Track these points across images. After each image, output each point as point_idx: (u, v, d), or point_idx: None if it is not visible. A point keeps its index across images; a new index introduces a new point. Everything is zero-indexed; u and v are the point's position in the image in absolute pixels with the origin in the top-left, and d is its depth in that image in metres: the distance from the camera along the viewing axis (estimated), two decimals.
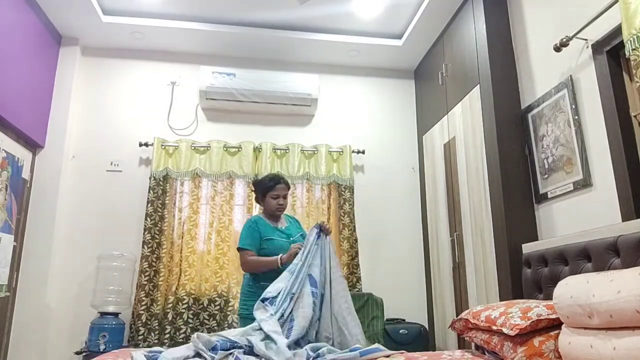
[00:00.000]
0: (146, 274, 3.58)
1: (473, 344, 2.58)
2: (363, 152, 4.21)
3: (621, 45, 2.20)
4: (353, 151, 4.15)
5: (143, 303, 3.52)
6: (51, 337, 3.48)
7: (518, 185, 2.86)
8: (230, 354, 1.97)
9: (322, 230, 2.58)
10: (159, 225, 3.71)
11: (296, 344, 2.23)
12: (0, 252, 3.16)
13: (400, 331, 3.58)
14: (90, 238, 3.74)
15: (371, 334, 3.42)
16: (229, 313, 3.60)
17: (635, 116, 2.22)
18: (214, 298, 3.61)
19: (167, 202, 3.77)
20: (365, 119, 4.38)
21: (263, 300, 2.39)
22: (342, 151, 4.11)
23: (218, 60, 4.24)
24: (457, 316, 2.98)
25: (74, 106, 3.88)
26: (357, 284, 3.80)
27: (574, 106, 2.53)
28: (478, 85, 3.18)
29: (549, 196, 2.71)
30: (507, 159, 2.89)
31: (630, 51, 1.86)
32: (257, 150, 4.01)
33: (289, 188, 2.85)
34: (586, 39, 2.44)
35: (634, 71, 1.85)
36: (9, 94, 3.17)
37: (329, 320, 2.44)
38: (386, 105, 4.45)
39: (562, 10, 2.67)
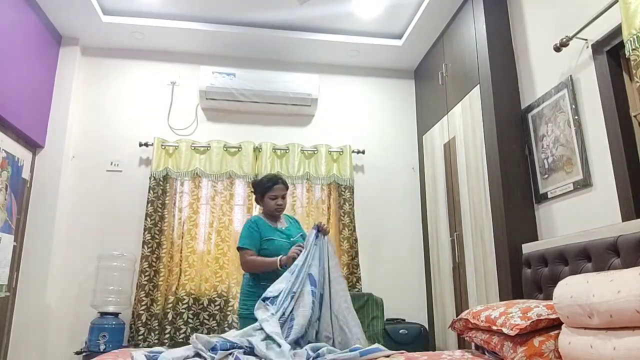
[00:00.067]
0: (146, 274, 3.58)
1: (473, 344, 2.58)
2: (363, 152, 4.21)
3: (621, 45, 2.20)
4: (353, 151, 4.15)
5: (143, 303, 3.52)
6: (51, 337, 3.48)
7: (518, 185, 2.86)
8: (230, 354, 1.97)
9: (320, 230, 2.58)
10: (159, 225, 3.71)
11: (296, 344, 2.23)
12: (0, 252, 3.16)
13: (400, 331, 3.57)
14: (90, 238, 3.74)
15: (371, 334, 3.41)
16: (229, 313, 3.60)
17: (635, 116, 2.22)
18: (214, 298, 3.61)
19: (167, 202, 3.77)
20: (365, 119, 4.38)
21: (264, 300, 2.39)
22: (342, 151, 4.11)
23: (218, 60, 4.24)
24: (457, 316, 2.98)
25: (74, 106, 3.88)
26: (357, 284, 3.80)
27: (574, 106, 2.53)
28: (478, 85, 3.18)
29: (549, 196, 2.71)
30: (507, 159, 2.89)
31: (630, 51, 1.86)
32: (257, 150, 4.01)
33: (287, 188, 2.85)
34: (586, 39, 2.44)
35: (634, 71, 1.85)
36: (9, 94, 3.17)
37: (329, 320, 2.45)
38: (386, 105, 4.45)
39: (562, 10, 2.67)
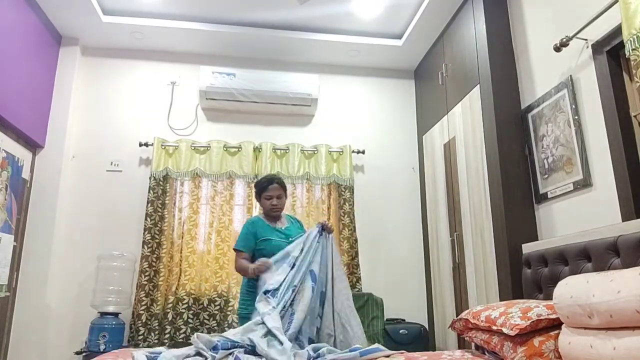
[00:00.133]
0: (146, 274, 3.58)
1: (473, 344, 2.58)
2: (363, 152, 4.21)
3: (621, 45, 2.20)
4: (353, 151, 4.15)
5: (143, 303, 3.52)
6: (51, 337, 3.48)
7: (518, 185, 2.86)
8: (231, 353, 1.97)
9: (325, 228, 2.61)
10: (159, 225, 3.71)
11: (297, 340, 2.24)
12: (0, 252, 3.16)
13: (400, 331, 3.57)
14: (90, 238, 3.74)
15: (371, 334, 3.41)
16: (228, 313, 3.60)
17: (635, 116, 2.22)
18: (214, 298, 3.61)
19: (167, 202, 3.77)
20: (365, 119, 4.38)
21: (265, 292, 2.40)
22: (342, 151, 4.11)
23: (218, 60, 4.24)
24: (457, 316, 2.98)
25: (74, 106, 3.88)
26: (357, 284, 3.80)
27: (574, 106, 2.53)
28: (478, 85, 3.18)
29: (549, 196, 2.71)
30: (507, 159, 2.89)
31: (630, 51, 1.86)
32: (257, 150, 4.01)
33: (283, 188, 2.86)
34: (586, 39, 2.44)
35: (634, 71, 1.85)
36: (9, 94, 3.17)
37: (331, 318, 2.47)
38: (386, 105, 4.45)
39: (562, 11, 2.67)
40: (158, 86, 4.15)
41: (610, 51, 2.30)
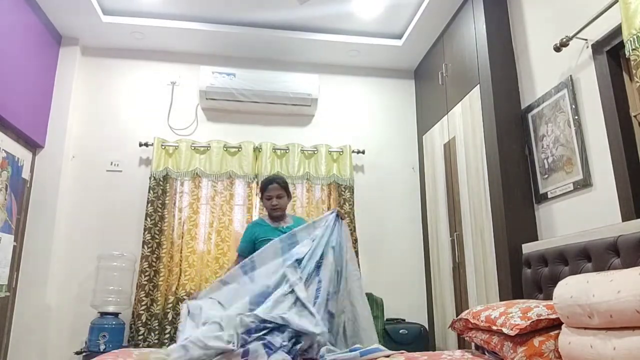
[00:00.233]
0: (146, 274, 3.58)
1: (473, 344, 2.58)
2: (363, 152, 4.21)
3: (621, 45, 2.20)
4: (353, 151, 4.15)
5: (143, 303, 3.52)
6: (51, 337, 3.48)
7: (518, 185, 2.86)
8: (264, 343, 2.01)
9: (339, 215, 2.74)
10: (159, 225, 3.71)
11: (325, 310, 2.36)
12: (0, 252, 3.16)
13: (400, 331, 3.57)
14: (90, 238, 3.74)
15: None
16: None
17: (635, 116, 2.22)
18: None
19: (167, 202, 3.77)
20: (365, 119, 4.38)
21: (296, 261, 2.49)
22: (342, 151, 4.11)
23: (218, 60, 4.24)
24: (457, 316, 2.98)
25: (74, 106, 3.88)
26: None
27: (574, 106, 2.53)
28: (478, 85, 3.18)
29: (549, 196, 2.71)
30: (507, 159, 2.89)
31: (630, 51, 1.86)
32: (257, 150, 4.01)
33: (284, 188, 2.89)
34: (586, 39, 2.44)
35: (634, 71, 1.85)
36: (9, 94, 3.17)
37: (345, 296, 2.59)
38: (386, 105, 4.45)
39: (562, 10, 2.67)
40: (158, 86, 4.15)
41: (610, 51, 2.30)
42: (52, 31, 3.78)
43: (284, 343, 2.04)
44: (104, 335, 3.27)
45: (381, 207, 4.19)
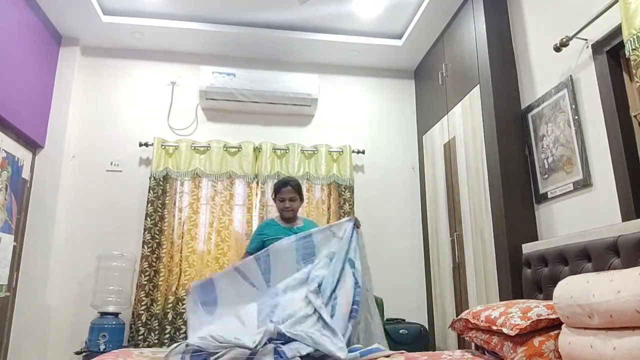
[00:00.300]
0: (146, 274, 3.58)
1: (473, 344, 2.58)
2: (363, 152, 4.21)
3: (621, 45, 2.20)
4: (353, 151, 4.15)
5: (143, 303, 3.52)
6: (51, 337, 3.48)
7: (518, 185, 2.86)
8: (276, 347, 2.01)
9: (355, 224, 2.76)
10: (159, 225, 3.71)
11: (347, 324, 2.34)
12: (0, 252, 3.16)
13: (400, 331, 3.57)
14: (90, 238, 3.74)
15: None
16: None
17: (635, 116, 2.22)
18: None
19: (167, 202, 3.77)
20: (365, 119, 4.38)
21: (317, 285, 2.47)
22: (342, 151, 4.11)
23: (218, 60, 4.24)
24: (457, 316, 2.98)
25: (74, 106, 3.88)
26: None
27: (574, 106, 2.53)
28: (478, 85, 3.18)
29: (549, 196, 2.71)
30: (507, 159, 2.89)
31: (630, 51, 1.86)
32: (257, 150, 4.01)
33: (297, 191, 2.94)
34: (586, 39, 2.44)
35: (634, 71, 1.85)
36: (9, 94, 3.17)
37: (362, 308, 2.56)
38: (386, 105, 4.45)
39: (562, 11, 2.67)
40: (158, 86, 4.15)
41: (610, 51, 2.30)
42: (52, 31, 3.78)
43: (297, 356, 2.02)
44: (104, 335, 3.27)
45: (381, 207, 4.19)
